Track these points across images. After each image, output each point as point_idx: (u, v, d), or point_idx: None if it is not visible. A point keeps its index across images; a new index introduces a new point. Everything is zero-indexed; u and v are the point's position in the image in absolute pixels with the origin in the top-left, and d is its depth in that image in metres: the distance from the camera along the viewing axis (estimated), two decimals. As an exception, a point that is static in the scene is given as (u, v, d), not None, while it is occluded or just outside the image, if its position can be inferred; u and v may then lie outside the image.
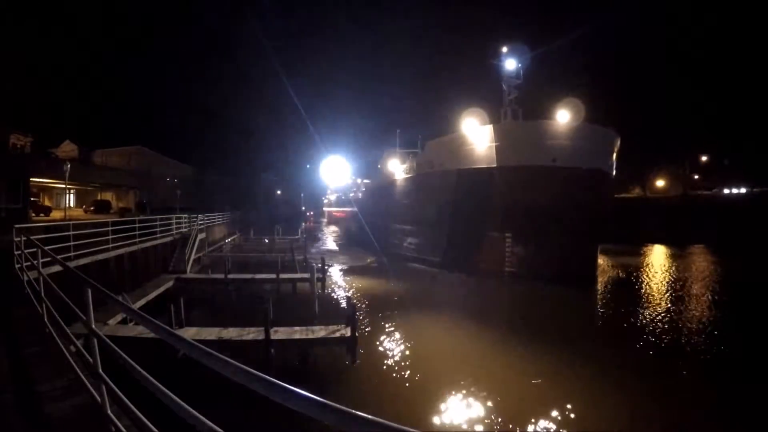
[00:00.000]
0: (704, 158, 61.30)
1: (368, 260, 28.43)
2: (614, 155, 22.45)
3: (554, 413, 7.71)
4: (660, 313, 14.68)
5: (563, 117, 21.10)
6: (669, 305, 16.05)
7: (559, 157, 19.87)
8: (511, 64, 24.34)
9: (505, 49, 24.66)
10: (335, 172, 66.23)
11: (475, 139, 22.03)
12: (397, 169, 30.91)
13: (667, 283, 20.83)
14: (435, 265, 23.77)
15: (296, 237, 36.18)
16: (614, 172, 23.26)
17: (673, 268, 25.18)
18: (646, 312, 14.89)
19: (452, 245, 23.23)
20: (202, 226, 25.09)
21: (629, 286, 20.15)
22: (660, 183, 60.87)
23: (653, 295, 18.11)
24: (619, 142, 22.53)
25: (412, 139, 33.80)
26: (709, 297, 17.66)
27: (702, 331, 13.06)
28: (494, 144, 21.08)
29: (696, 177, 60.54)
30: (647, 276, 22.72)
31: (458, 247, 22.75)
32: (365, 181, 50.69)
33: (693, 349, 11.39)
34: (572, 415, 7.66)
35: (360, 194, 52.65)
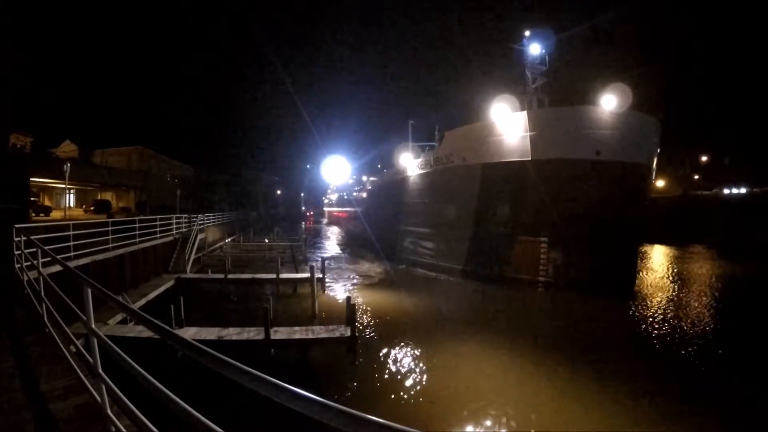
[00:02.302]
0: (704, 158, 61.36)
1: (379, 270, 24.69)
2: (657, 149, 19.98)
3: None
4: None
5: (608, 103, 18.16)
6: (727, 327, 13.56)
7: (603, 150, 17.30)
8: (535, 49, 22.14)
9: (527, 33, 22.44)
10: (336, 172, 66.34)
11: (504, 128, 19.09)
12: (410, 164, 27.64)
13: (705, 293, 18.62)
14: (455, 274, 21.23)
15: (296, 238, 36.22)
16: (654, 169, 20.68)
17: (693, 273, 23.84)
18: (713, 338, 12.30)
19: (476, 251, 20.64)
20: (202, 227, 25.10)
21: (667, 296, 17.74)
22: (660, 183, 60.88)
23: (702, 312, 15.53)
24: (660, 134, 20.02)
25: (427, 131, 31.01)
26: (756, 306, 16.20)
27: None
28: (528, 133, 18.18)
29: (696, 177, 60.59)
30: (675, 282, 20.80)
31: (483, 254, 20.20)
32: (371, 178, 47.44)
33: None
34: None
35: (364, 193, 49.83)
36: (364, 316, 14.03)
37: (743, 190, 50.81)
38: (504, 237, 19.31)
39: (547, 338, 11.90)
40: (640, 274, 22.10)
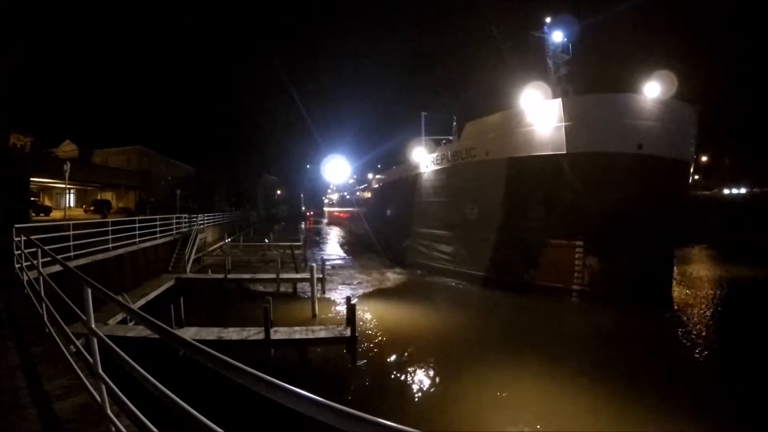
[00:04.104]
0: (704, 158, 61.39)
1: (386, 274, 22.61)
2: (696, 144, 18.40)
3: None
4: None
5: (652, 91, 16.33)
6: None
7: (646, 143, 15.65)
8: (557, 37, 20.64)
9: (548, 20, 20.97)
10: (337, 171, 66.39)
11: (534, 117, 17.16)
12: (423, 159, 25.11)
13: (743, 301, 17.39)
14: (476, 281, 19.28)
15: (296, 239, 36.21)
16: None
17: (717, 276, 22.73)
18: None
19: (501, 256, 18.66)
20: (202, 227, 25.13)
21: (699, 303, 16.54)
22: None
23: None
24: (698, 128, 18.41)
25: (442, 123, 28.59)
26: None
27: None
28: (563, 124, 16.31)
29: (696, 177, 60.64)
30: (700, 288, 19.46)
31: (509, 259, 18.30)
32: (377, 176, 44.52)
33: None
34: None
35: (368, 193, 47.40)
36: (368, 330, 12.62)
37: (743, 190, 50.87)
38: (533, 240, 17.43)
39: (588, 359, 10.43)
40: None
